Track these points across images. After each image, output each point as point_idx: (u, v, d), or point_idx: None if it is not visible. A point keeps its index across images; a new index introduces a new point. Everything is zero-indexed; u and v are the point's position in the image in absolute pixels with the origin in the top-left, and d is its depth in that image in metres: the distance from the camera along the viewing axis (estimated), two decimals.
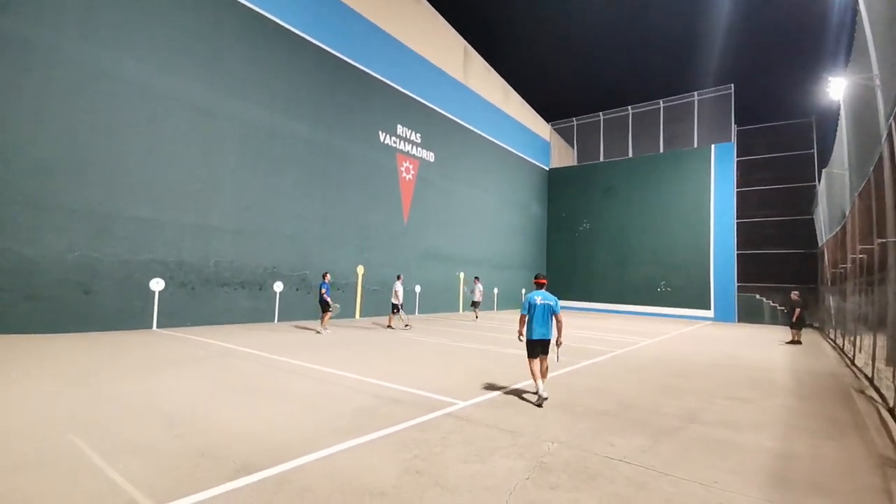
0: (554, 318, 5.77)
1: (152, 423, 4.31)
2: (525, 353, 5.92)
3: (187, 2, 11.95)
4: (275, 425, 4.40)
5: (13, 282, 9.11)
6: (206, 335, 10.34)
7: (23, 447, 3.63)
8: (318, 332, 11.66)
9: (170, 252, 11.48)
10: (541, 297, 5.78)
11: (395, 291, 13.80)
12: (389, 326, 13.94)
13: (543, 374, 5.75)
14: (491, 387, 6.38)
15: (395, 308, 13.78)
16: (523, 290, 27.23)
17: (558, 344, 5.87)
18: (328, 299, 11.83)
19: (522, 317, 5.87)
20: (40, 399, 4.98)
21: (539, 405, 5.44)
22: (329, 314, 11.83)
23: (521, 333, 5.88)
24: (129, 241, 10.76)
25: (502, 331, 14.34)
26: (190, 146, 11.98)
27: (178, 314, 11.55)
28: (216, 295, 12.35)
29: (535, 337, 5.71)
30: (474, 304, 17.96)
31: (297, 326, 13.03)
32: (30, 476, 3.15)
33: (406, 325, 14.06)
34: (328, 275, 12.23)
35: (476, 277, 19.30)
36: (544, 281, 6.05)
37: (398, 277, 14.27)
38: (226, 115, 12.75)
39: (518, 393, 6.10)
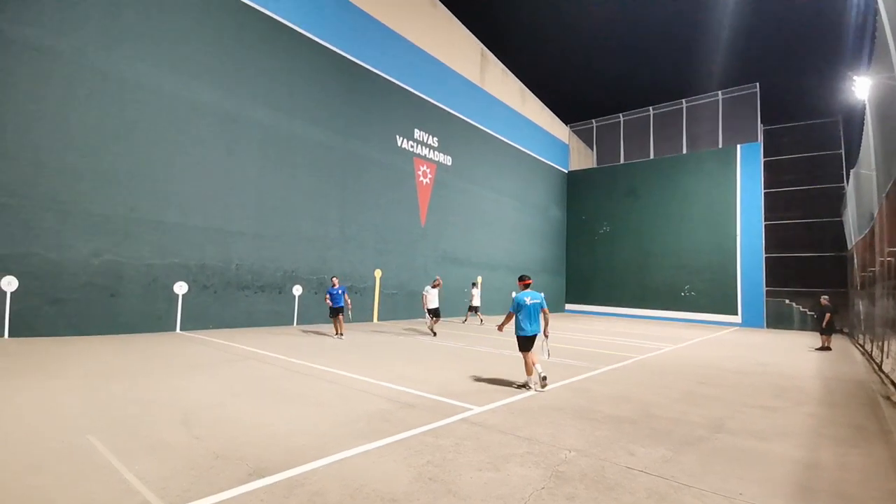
0: (542, 312, 6.54)
1: (171, 425, 4.37)
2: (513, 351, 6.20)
3: (210, 11, 12.26)
4: (290, 428, 4.41)
5: (41, 285, 9.42)
6: (227, 338, 10.51)
7: (42, 447, 3.72)
8: (340, 337, 11.43)
9: (193, 255, 11.74)
10: (529, 297, 6.50)
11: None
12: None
13: (535, 362, 6.48)
14: (507, 392, 6.29)
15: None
16: (542, 295, 26.87)
17: (546, 335, 6.65)
18: (329, 302, 11.43)
19: (511, 315, 6.60)
20: (63, 400, 5.11)
21: (543, 386, 6.29)
22: (338, 319, 11.46)
23: (502, 328, 6.76)
24: (153, 245, 11.04)
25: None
26: (213, 152, 12.26)
27: (200, 317, 11.79)
28: (237, 298, 12.56)
29: (530, 333, 6.44)
30: (473, 309, 17.33)
31: (315, 331, 13.13)
32: (45, 476, 3.21)
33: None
34: (336, 279, 11.96)
35: (473, 283, 18.94)
36: (530, 281, 6.81)
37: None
38: (247, 121, 13.00)
39: (535, 399, 5.99)
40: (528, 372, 6.49)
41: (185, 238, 11.61)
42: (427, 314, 13.76)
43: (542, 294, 6.85)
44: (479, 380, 7.12)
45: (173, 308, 11.32)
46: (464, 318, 18.29)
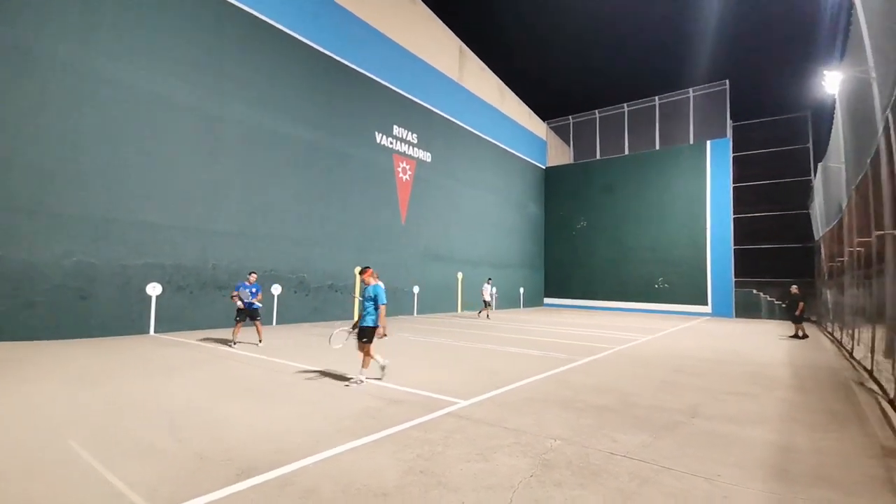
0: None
1: (153, 428, 4.29)
2: (519, 349, 6.08)
3: (187, 7, 11.93)
4: (276, 427, 4.38)
5: (13, 288, 9.06)
6: (204, 339, 10.30)
7: (24, 453, 3.61)
8: (258, 344, 9.46)
9: (168, 256, 11.44)
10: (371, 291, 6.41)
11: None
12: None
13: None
14: (492, 385, 6.37)
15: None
16: (522, 289, 27.27)
17: (355, 328, 6.61)
18: (256, 302, 9.36)
19: (384, 307, 6.31)
20: (41, 404, 4.95)
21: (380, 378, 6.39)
22: (259, 322, 9.55)
23: (383, 332, 6.35)
24: (126, 245, 10.71)
25: (501, 329, 14.35)
26: (189, 150, 11.95)
27: (176, 318, 11.51)
28: (214, 299, 12.30)
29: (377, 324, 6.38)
30: (486, 304, 18.85)
31: (295, 329, 12.98)
32: (30, 481, 3.13)
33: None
34: (254, 274, 9.72)
35: (489, 279, 20.83)
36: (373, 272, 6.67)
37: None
38: (225, 119, 12.72)
39: (520, 391, 6.10)
40: (370, 360, 6.39)
41: (159, 238, 11.30)
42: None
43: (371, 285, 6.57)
44: (463, 374, 7.19)
45: (147, 310, 11.02)
46: (478, 311, 19.62)
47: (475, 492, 3.11)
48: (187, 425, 4.39)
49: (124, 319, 10.63)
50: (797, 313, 14.17)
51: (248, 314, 9.34)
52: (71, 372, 6.64)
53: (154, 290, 11.12)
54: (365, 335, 6.30)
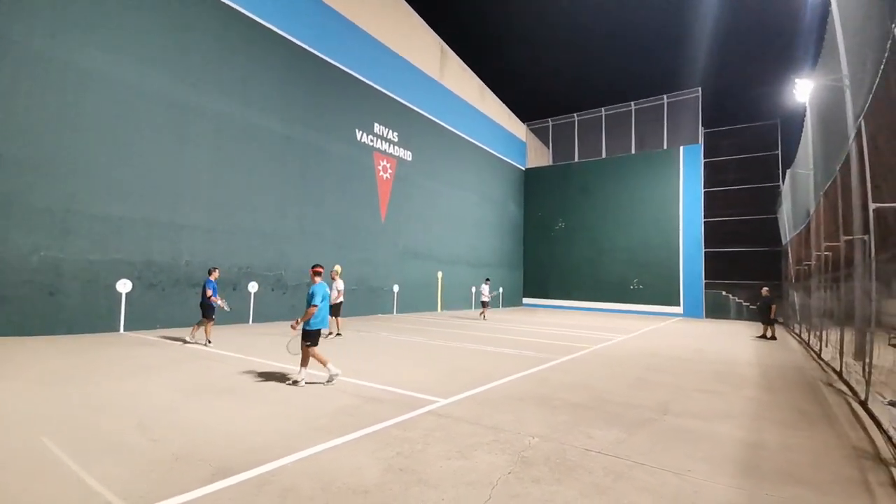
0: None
1: (126, 427, 4.18)
2: (498, 349, 6.08)
3: None
4: (253, 426, 4.32)
5: None
6: (177, 338, 10.03)
7: None
8: (186, 342, 9.18)
9: (138, 252, 11.10)
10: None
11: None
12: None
13: (317, 361, 6.22)
14: (471, 384, 6.42)
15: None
16: (501, 289, 27.47)
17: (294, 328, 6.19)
18: (219, 301, 9.22)
19: (314, 308, 6.04)
20: (11, 402, 4.75)
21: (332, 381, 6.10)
22: (212, 321, 9.30)
23: (295, 325, 6.10)
24: (95, 240, 10.35)
25: (480, 329, 14.44)
26: (161, 142, 11.61)
27: (147, 316, 11.18)
28: (188, 296, 11.99)
29: (324, 326, 6.24)
30: (483, 304, 18.64)
31: (272, 328, 12.77)
32: (3, 479, 3.02)
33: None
34: (217, 270, 9.64)
35: (486, 279, 20.90)
36: (321, 270, 6.46)
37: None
38: (199, 111, 12.41)
39: (498, 390, 6.16)
40: (326, 363, 6.16)
41: (130, 232, 10.95)
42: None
43: (314, 284, 6.24)
44: (442, 373, 7.22)
45: (116, 307, 10.67)
46: (480, 312, 19.00)
47: (455, 488, 3.15)
48: (161, 425, 4.29)
49: (94, 317, 10.27)
50: (771, 316, 14.54)
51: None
52: (41, 370, 6.40)
53: (124, 286, 10.78)
54: (308, 338, 6.14)
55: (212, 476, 3.21)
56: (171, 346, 8.97)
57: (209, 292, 9.12)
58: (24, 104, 9.40)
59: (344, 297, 11.66)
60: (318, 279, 6.29)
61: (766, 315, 14.71)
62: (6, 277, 9.03)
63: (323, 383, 6.11)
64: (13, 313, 9.10)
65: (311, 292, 6.10)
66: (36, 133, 9.54)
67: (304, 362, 6.17)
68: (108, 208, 10.60)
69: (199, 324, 9.30)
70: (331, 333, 11.20)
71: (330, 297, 10.81)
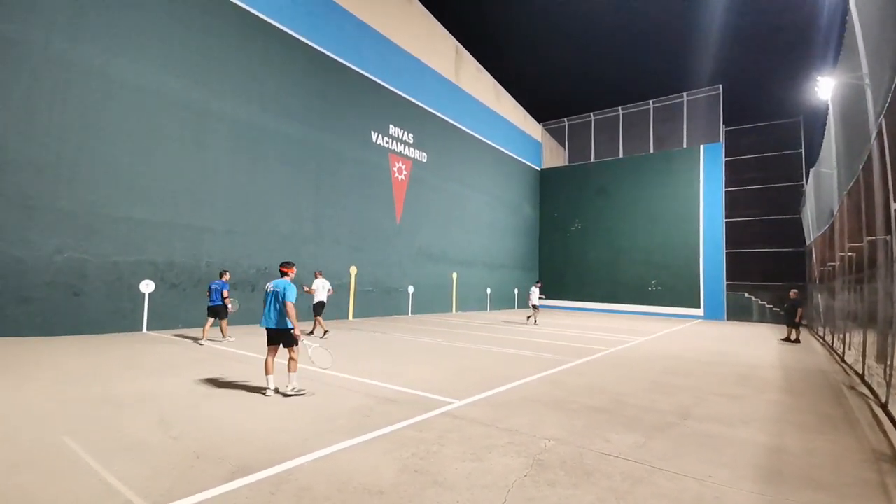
0: (284, 305, 5.50)
1: (147, 426, 4.27)
2: (513, 350, 6.03)
3: (179, 1, 11.84)
4: (271, 426, 4.37)
5: (6, 284, 8.97)
6: (196, 337, 10.22)
7: (18, 449, 3.58)
8: (201, 343, 9.30)
9: (160, 253, 11.36)
10: (272, 285, 5.63)
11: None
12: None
13: (288, 368, 5.63)
14: (486, 386, 6.40)
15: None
16: (516, 290, 27.33)
17: (297, 335, 5.60)
18: (228, 304, 9.72)
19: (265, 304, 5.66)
20: (35, 401, 4.91)
21: (265, 394, 5.46)
22: (226, 321, 9.85)
23: (299, 332, 5.64)
24: (118, 242, 10.63)
25: (495, 330, 14.38)
26: (181, 145, 11.87)
27: (169, 316, 11.43)
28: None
29: (262, 325, 5.66)
30: (534, 308, 17.35)
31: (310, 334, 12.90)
32: (25, 477, 3.11)
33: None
34: (227, 273, 10.18)
35: (537, 281, 20.28)
36: (285, 269, 5.87)
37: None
38: (218, 115, 12.65)
39: (514, 392, 6.12)
40: (265, 371, 5.60)
41: (152, 234, 11.22)
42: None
43: (292, 284, 5.71)
44: (457, 374, 7.20)
45: (139, 307, 10.94)
46: (528, 316, 18.02)
47: (470, 490, 3.13)
48: (181, 423, 4.37)
49: (117, 317, 10.54)
50: (797, 319, 14.13)
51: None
52: (65, 369, 6.58)
53: (147, 287, 11.04)
54: (282, 339, 5.65)
55: (231, 474, 3.26)
56: (192, 345, 9.15)
57: (225, 293, 9.70)
58: (47, 109, 9.69)
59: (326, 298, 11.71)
60: (289, 276, 5.85)
61: (791, 318, 14.33)
62: (31, 279, 9.33)
63: (276, 392, 5.56)
64: (38, 314, 9.39)
65: (288, 288, 5.61)
66: (59, 137, 9.83)
67: (289, 367, 5.67)
68: (131, 211, 10.87)
69: (213, 324, 9.73)
70: (315, 332, 11.53)
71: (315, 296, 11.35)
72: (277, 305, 5.56)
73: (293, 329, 5.57)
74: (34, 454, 3.53)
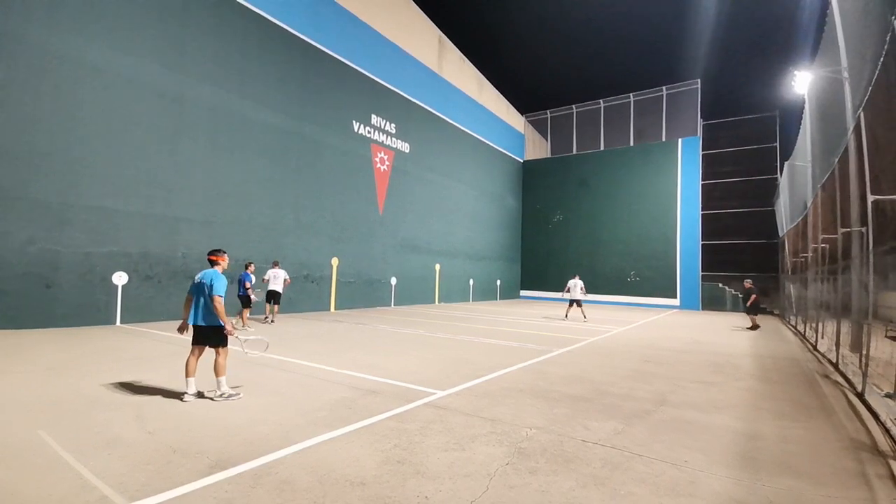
0: (212, 300, 4.85)
1: (122, 420, 4.17)
2: (495, 341, 6.03)
3: None
4: (250, 419, 4.32)
5: None
6: (173, 331, 10.00)
7: None
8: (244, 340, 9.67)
9: (134, 244, 11.04)
10: (199, 276, 4.99)
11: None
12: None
13: (217, 371, 4.91)
14: (469, 376, 6.43)
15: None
16: (499, 281, 27.50)
17: (229, 333, 4.97)
18: (251, 294, 10.55)
19: (188, 298, 4.98)
20: (7, 395, 4.74)
21: (182, 399, 4.83)
22: (248, 311, 10.75)
23: (183, 321, 5.02)
24: (91, 232, 10.28)
25: (477, 321, 14.46)
26: (157, 134, 11.50)
27: (144, 309, 11.15)
28: (184, 288, 11.94)
29: (190, 321, 4.96)
30: (577, 303, 16.32)
31: (265, 320, 12.75)
32: (1, 470, 3.00)
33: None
34: (252, 265, 11.14)
35: (575, 274, 17.88)
36: (214, 258, 5.16)
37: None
38: (194, 102, 12.28)
39: (496, 382, 6.17)
40: (186, 373, 4.92)
41: (125, 224, 10.88)
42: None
43: (221, 276, 5.02)
44: (439, 365, 7.23)
45: (113, 300, 10.63)
46: (566, 313, 16.84)
47: (452, 480, 3.15)
48: (158, 417, 4.28)
49: (90, 309, 10.24)
50: (749, 304, 15.04)
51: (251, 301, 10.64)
52: (39, 362, 6.37)
53: (120, 279, 10.73)
54: (211, 338, 4.98)
55: (209, 468, 3.20)
56: (166, 338, 8.96)
57: (248, 284, 10.53)
58: (19, 97, 9.30)
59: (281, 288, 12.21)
60: (220, 266, 5.19)
61: (745, 305, 15.26)
62: (3, 271, 8.99)
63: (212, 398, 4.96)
64: (9, 307, 9.06)
65: (216, 280, 4.95)
66: (31, 126, 9.44)
67: (216, 370, 4.97)
68: (104, 200, 10.52)
69: (240, 313, 10.69)
70: (267, 318, 12.23)
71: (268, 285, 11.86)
72: (204, 299, 4.90)
73: (224, 327, 4.92)
74: (8, 449, 3.42)
